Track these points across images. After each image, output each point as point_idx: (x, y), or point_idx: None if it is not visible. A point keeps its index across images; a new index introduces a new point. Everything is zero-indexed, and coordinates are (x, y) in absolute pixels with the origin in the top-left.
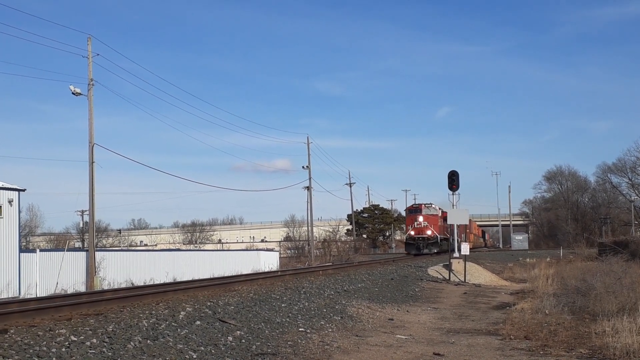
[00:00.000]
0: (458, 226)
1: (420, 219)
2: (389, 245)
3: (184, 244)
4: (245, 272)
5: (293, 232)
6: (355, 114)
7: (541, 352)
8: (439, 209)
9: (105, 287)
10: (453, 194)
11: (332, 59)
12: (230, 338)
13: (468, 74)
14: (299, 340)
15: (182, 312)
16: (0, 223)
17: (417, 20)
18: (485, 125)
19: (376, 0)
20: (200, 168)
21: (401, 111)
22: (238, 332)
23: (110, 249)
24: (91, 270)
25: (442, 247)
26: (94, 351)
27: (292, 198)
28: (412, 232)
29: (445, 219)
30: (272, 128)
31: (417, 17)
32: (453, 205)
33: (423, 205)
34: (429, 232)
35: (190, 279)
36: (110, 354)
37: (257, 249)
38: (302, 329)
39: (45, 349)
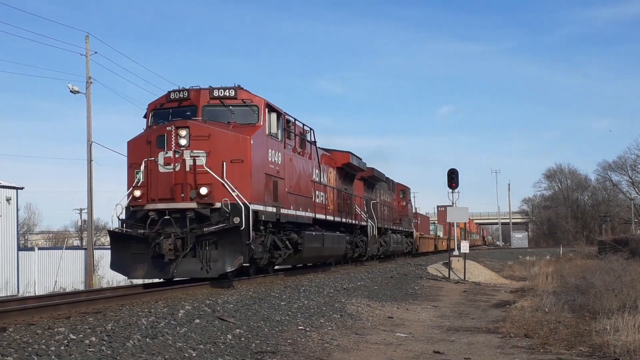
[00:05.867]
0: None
1: (183, 139)
2: None
3: None
4: None
5: None
6: (357, 113)
7: (541, 350)
8: (284, 114)
9: (104, 286)
10: (452, 192)
11: (335, 59)
12: (229, 336)
13: (469, 73)
14: (299, 339)
15: (181, 311)
16: None
17: (420, 20)
18: (486, 124)
19: (379, 0)
20: None
21: (402, 110)
22: (237, 330)
23: (109, 247)
24: (90, 268)
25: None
26: (93, 349)
27: None
28: (139, 193)
29: (338, 165)
30: None
31: (419, 16)
32: (453, 203)
33: (207, 94)
34: (204, 191)
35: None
36: (109, 352)
37: None
38: (302, 327)
39: (44, 347)
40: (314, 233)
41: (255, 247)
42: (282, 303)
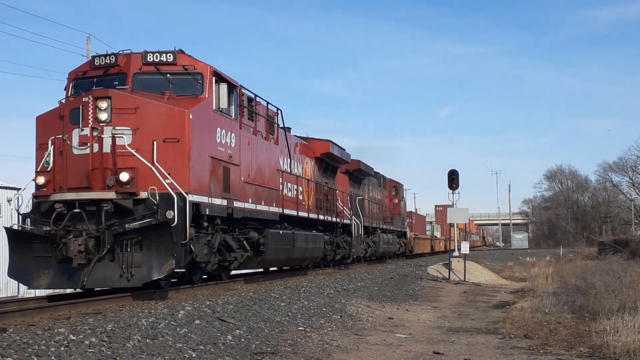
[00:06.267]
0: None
1: (103, 113)
2: None
3: None
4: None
5: None
6: (358, 114)
7: (541, 351)
8: (241, 88)
9: None
10: (453, 193)
11: (336, 60)
12: (229, 337)
13: (470, 75)
14: (299, 339)
15: (181, 311)
16: None
17: (421, 21)
18: (487, 125)
19: (380, 1)
20: None
21: (404, 111)
22: (237, 331)
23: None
24: None
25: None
26: (93, 350)
27: None
28: (42, 180)
29: (316, 156)
30: None
31: (420, 17)
32: (453, 204)
33: (139, 59)
34: (125, 177)
35: None
36: (109, 352)
37: None
38: (302, 328)
39: (44, 347)
40: (280, 232)
41: (198, 248)
42: (282, 304)
